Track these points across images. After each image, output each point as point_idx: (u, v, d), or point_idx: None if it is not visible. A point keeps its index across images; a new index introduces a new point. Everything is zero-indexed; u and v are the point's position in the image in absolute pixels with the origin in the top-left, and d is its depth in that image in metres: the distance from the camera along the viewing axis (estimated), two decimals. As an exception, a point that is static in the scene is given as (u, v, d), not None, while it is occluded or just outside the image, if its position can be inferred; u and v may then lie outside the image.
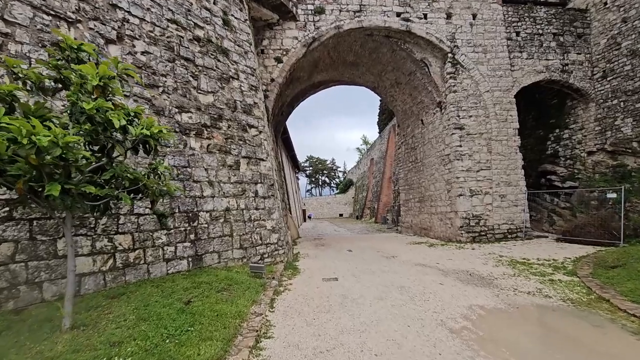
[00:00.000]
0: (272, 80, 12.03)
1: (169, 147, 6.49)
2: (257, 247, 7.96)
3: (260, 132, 9.04)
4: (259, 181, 8.54)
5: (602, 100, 13.20)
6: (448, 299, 5.38)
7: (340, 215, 64.78)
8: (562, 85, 13.68)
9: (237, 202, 7.73)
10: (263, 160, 8.86)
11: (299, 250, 12.22)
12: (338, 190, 73.39)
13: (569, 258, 8.28)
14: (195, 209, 6.73)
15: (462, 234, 12.18)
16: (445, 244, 12.12)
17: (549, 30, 13.64)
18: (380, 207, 35.93)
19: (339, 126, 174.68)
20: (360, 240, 15.23)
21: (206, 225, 6.87)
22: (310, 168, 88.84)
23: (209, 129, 7.44)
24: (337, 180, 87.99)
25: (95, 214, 3.71)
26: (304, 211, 45.93)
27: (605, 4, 13.19)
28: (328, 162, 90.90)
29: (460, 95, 12.84)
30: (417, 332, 4.13)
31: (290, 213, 21.15)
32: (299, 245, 14.20)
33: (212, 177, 7.26)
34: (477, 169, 12.60)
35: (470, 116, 12.81)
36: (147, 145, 3.73)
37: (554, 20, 13.70)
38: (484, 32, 13.17)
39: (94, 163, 3.51)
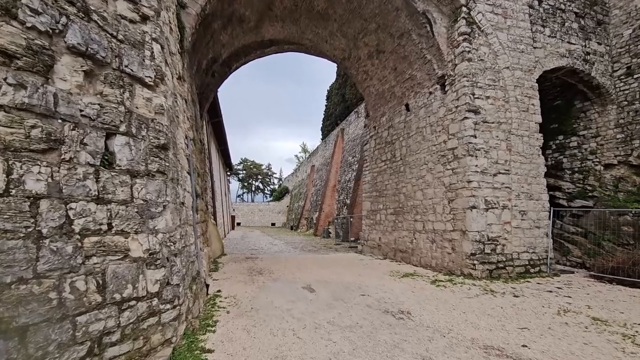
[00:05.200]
0: (198, -20, 6.75)
1: None
2: (77, 319, 2.60)
3: (147, 19, 3.75)
4: (123, 128, 3.23)
5: (625, 103, 10.67)
6: None
7: (273, 224, 59.58)
8: (580, 78, 10.90)
9: (6, 176, 2.33)
10: (146, 82, 3.57)
11: (220, 285, 6.87)
12: (272, 198, 68.04)
13: None
14: None
15: (474, 264, 8.16)
16: (452, 279, 7.93)
17: (570, 8, 10.82)
18: (322, 219, 31.82)
19: (275, 135, 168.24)
20: (314, 265, 10.34)
21: None
22: (244, 172, 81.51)
23: None
24: (272, 187, 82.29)
25: None
26: (232, 217, 39.55)
27: (630, -12, 10.87)
28: (263, 167, 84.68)
29: (476, 67, 9.06)
30: None
31: (215, 220, 15.39)
32: (222, 271, 8.78)
33: None
34: (493, 172, 8.85)
35: (488, 97, 9.09)
36: None
37: (575, -3, 10.98)
38: (505, -10, 9.76)
39: None
